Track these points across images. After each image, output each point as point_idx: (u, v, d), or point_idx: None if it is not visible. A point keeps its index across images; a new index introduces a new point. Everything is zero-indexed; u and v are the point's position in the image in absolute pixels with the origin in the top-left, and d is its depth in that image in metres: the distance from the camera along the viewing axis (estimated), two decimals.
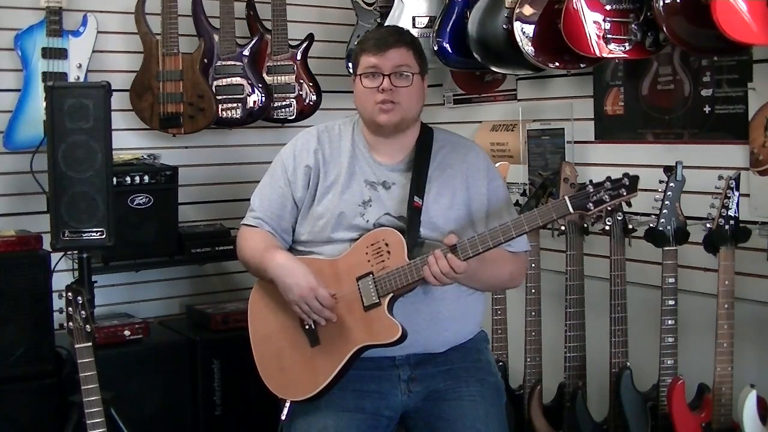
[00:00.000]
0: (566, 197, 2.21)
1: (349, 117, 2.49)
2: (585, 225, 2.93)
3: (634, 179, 2.20)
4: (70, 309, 2.38)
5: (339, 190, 2.35)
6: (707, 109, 2.86)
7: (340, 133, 2.44)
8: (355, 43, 3.52)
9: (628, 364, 2.79)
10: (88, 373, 2.37)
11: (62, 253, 3.06)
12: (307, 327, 2.30)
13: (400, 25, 3.36)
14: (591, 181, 2.23)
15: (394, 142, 2.39)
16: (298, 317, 2.30)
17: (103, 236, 2.69)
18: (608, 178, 2.21)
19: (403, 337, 2.21)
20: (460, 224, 2.35)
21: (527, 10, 2.95)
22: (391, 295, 2.23)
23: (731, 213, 2.54)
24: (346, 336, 2.25)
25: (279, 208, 2.41)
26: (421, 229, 2.30)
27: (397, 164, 2.39)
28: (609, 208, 2.29)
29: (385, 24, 3.44)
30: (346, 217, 2.33)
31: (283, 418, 2.32)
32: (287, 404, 2.32)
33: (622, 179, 2.20)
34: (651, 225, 2.68)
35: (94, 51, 3.33)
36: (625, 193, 2.20)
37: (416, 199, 2.31)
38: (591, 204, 2.20)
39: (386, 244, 2.25)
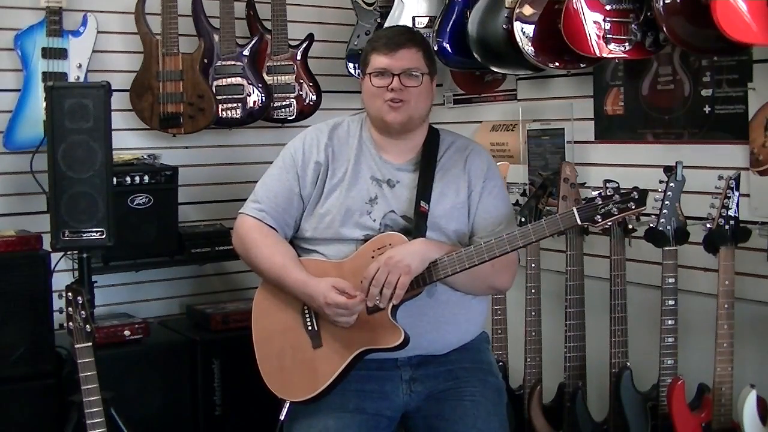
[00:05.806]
0: (574, 209, 2.22)
1: (357, 114, 2.48)
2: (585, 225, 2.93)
3: (644, 193, 2.21)
4: (70, 309, 2.38)
5: (345, 187, 2.35)
6: (707, 109, 2.86)
7: (349, 129, 2.43)
8: (355, 43, 3.53)
9: (628, 364, 2.79)
10: (88, 373, 2.37)
11: (62, 253, 3.06)
12: (309, 328, 2.30)
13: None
14: (600, 193, 2.23)
15: (402, 143, 2.39)
16: (301, 318, 2.31)
17: (103, 236, 2.69)
18: (617, 191, 2.21)
19: (405, 342, 2.19)
20: (462, 224, 2.36)
21: (527, 10, 2.94)
22: None
23: (731, 213, 2.54)
24: (349, 339, 2.24)
25: (285, 202, 2.38)
26: (427, 233, 2.30)
27: (405, 164, 2.39)
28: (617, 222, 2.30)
29: (385, 24, 3.43)
30: (353, 214, 2.32)
31: (282, 417, 2.32)
32: (286, 404, 2.32)
33: (631, 193, 2.20)
34: (651, 225, 2.67)
35: (94, 51, 3.32)
36: (633, 207, 2.21)
37: (422, 204, 2.30)
38: (599, 216, 2.21)
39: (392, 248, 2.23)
